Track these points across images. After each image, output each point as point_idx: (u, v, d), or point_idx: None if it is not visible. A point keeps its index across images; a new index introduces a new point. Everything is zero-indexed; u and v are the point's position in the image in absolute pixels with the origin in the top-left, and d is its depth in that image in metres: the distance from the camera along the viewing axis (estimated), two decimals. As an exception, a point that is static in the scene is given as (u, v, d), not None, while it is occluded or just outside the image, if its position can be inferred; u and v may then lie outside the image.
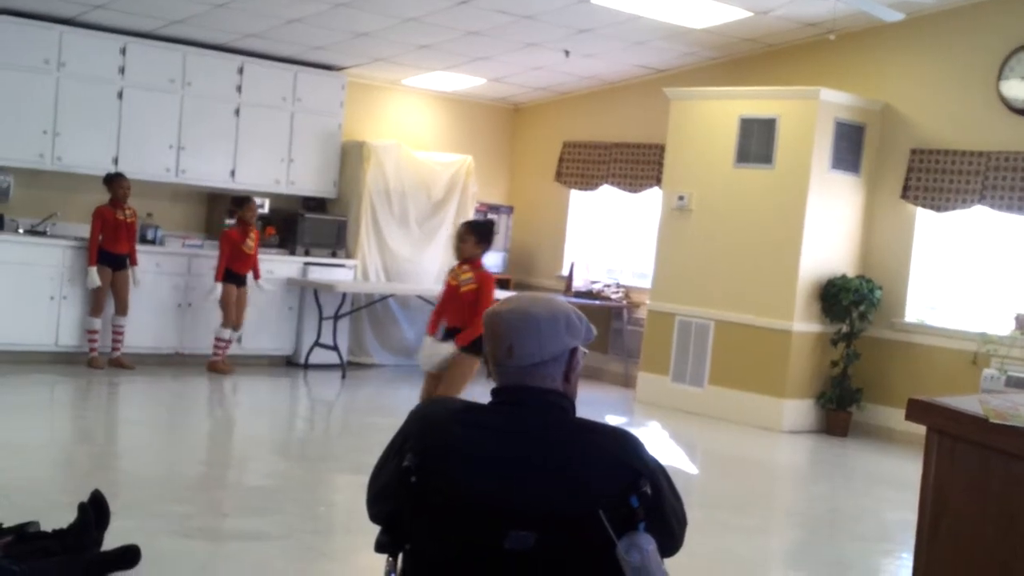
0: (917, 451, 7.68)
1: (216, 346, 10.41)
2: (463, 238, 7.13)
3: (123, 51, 10.35)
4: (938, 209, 9.84)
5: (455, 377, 7.02)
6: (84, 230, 10.10)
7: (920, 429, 3.11)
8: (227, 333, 10.39)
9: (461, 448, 2.53)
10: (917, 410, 3.12)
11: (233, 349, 10.62)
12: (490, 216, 12.88)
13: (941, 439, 3.04)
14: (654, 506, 2.47)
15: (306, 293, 11.15)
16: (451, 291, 7.15)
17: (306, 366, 11.11)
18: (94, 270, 9.89)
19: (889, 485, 8.36)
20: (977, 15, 9.65)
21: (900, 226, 10.15)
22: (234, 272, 10.33)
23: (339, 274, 11.33)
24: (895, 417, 9.53)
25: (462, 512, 2.50)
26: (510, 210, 13.15)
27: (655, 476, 2.52)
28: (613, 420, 9.43)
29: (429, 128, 12.81)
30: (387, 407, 9.76)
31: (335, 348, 11.01)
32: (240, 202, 10.44)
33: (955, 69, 9.82)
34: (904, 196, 10.03)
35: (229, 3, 9.45)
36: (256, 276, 10.58)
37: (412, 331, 12.11)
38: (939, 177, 9.81)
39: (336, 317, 11.07)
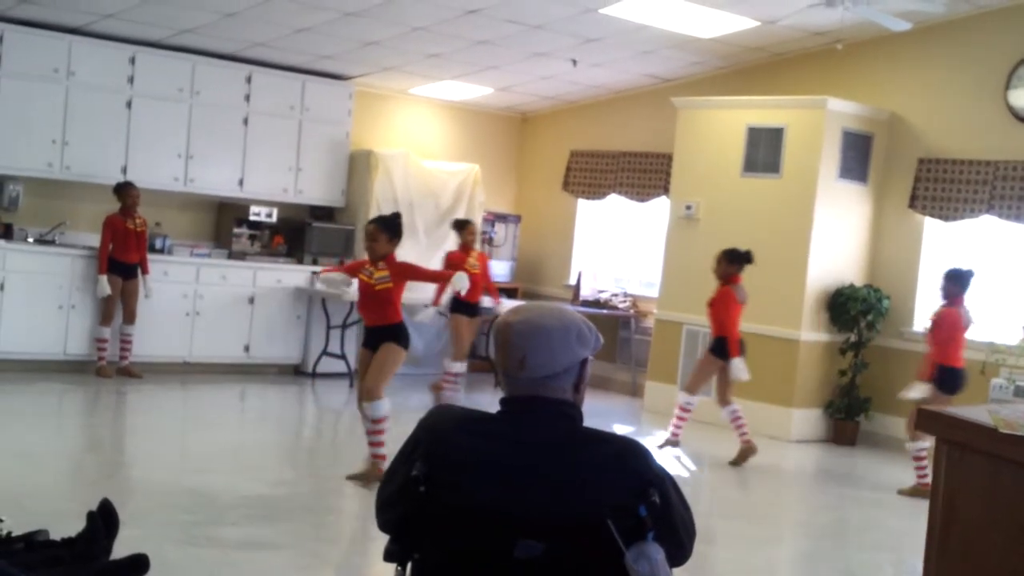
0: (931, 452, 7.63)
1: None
2: (374, 237, 6.99)
3: (132, 60, 10.38)
4: (946, 218, 9.83)
5: (387, 364, 7.04)
6: (93, 239, 10.13)
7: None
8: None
9: (470, 457, 2.53)
10: (926, 420, 3.12)
11: (240, 358, 10.63)
12: (497, 225, 12.91)
13: (950, 449, 3.04)
14: (662, 515, 2.47)
15: (314, 302, 11.16)
16: (367, 289, 7.05)
17: (314, 375, 11.12)
18: (104, 279, 9.91)
19: (897, 493, 8.34)
20: (984, 25, 9.65)
21: (908, 235, 10.14)
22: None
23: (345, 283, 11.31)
24: (903, 426, 9.50)
25: (470, 521, 2.50)
26: (517, 219, 13.17)
27: (663, 485, 2.52)
28: (621, 429, 9.42)
29: (437, 137, 12.83)
30: (396, 415, 9.70)
31: (343, 357, 11.02)
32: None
33: (962, 79, 9.82)
34: (912, 205, 10.02)
35: (238, 13, 9.48)
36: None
37: (421, 340, 12.11)
38: (947, 187, 9.81)
39: (344, 326, 11.08)
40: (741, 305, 8.78)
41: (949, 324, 7.99)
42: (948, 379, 8.00)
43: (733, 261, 8.79)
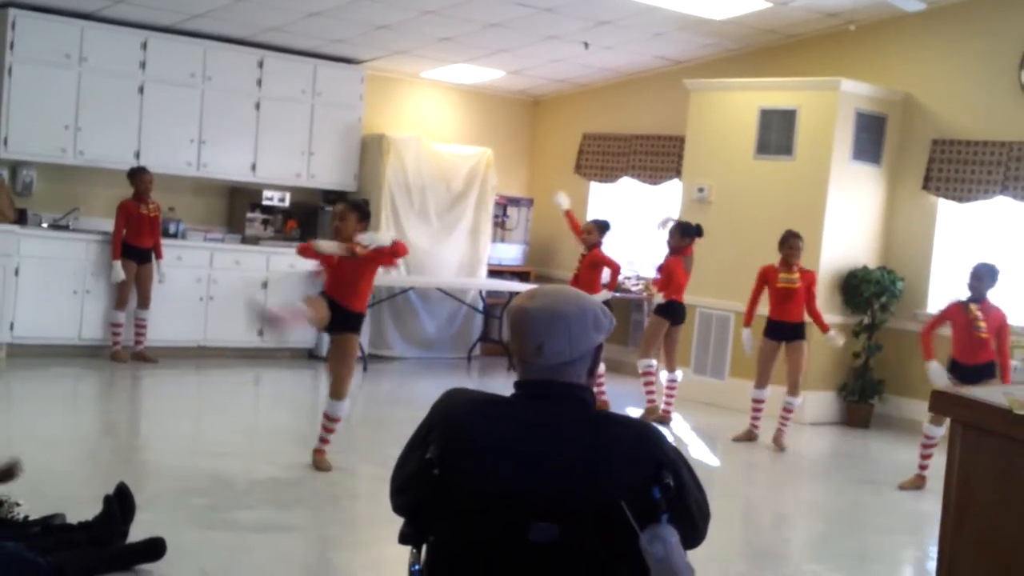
0: (939, 443, 7.64)
1: None
2: (343, 217, 7.02)
3: (144, 46, 10.39)
4: (960, 200, 9.80)
5: (350, 357, 7.10)
6: (106, 224, 10.16)
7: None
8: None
9: (484, 440, 2.54)
10: (941, 402, 3.12)
11: (254, 342, 10.65)
12: (509, 209, 12.91)
13: (965, 431, 3.03)
14: (677, 498, 2.48)
15: (327, 286, 11.18)
16: (334, 269, 6.97)
17: (327, 359, 11.13)
18: (118, 264, 9.95)
19: (910, 475, 8.32)
20: (998, 5, 9.60)
21: (922, 217, 10.11)
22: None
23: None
24: (917, 409, 9.50)
25: (485, 504, 2.51)
26: (530, 202, 13.16)
27: (677, 468, 2.52)
28: (634, 413, 9.43)
29: (449, 121, 12.83)
30: (408, 399, 9.78)
31: (356, 341, 11.02)
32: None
33: (976, 59, 9.77)
34: (926, 187, 9.99)
35: (249, -3, 9.48)
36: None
37: (432, 324, 12.14)
38: (961, 168, 9.77)
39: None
40: (688, 275, 9.62)
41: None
42: None
43: (685, 234, 9.48)
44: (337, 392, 7.06)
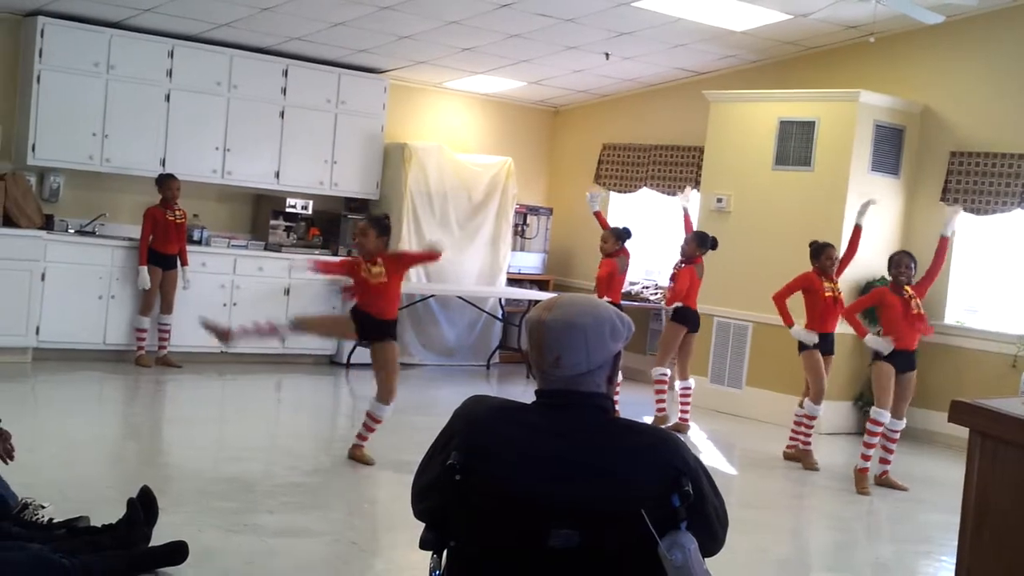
0: (954, 453, 7.69)
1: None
2: (364, 233, 7.36)
3: (171, 54, 10.51)
4: (978, 212, 9.82)
5: (396, 364, 7.49)
6: (132, 230, 10.27)
7: (957, 432, 3.10)
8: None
9: (505, 447, 2.56)
10: (960, 412, 3.10)
11: (276, 348, 10.74)
12: (529, 217, 12.98)
13: (984, 441, 3.01)
14: (696, 506, 2.50)
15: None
16: (366, 286, 7.31)
17: (348, 365, 11.23)
18: (145, 270, 10.05)
19: (928, 487, 8.35)
20: (1017, 17, 9.63)
21: (939, 229, 10.10)
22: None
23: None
24: (933, 419, 9.53)
25: (506, 510, 2.53)
26: (549, 211, 13.22)
27: (697, 476, 2.54)
28: (650, 420, 9.48)
29: (470, 130, 12.91)
30: (429, 406, 9.83)
31: (376, 348, 11.09)
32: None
33: (995, 71, 9.80)
34: (944, 199, 10.02)
35: (274, 7, 9.58)
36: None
37: (453, 332, 12.21)
38: (979, 180, 9.80)
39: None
40: (699, 282, 9.63)
41: None
42: None
43: (701, 245, 9.57)
44: (384, 396, 7.44)
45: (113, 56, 10.22)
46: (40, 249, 9.75)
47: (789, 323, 8.57)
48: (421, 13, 9.65)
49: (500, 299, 12.39)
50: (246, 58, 10.91)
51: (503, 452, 2.56)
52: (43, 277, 9.78)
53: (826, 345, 8.67)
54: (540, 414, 2.62)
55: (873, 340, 7.99)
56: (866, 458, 8.05)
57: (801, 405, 8.78)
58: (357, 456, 7.41)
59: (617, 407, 8.82)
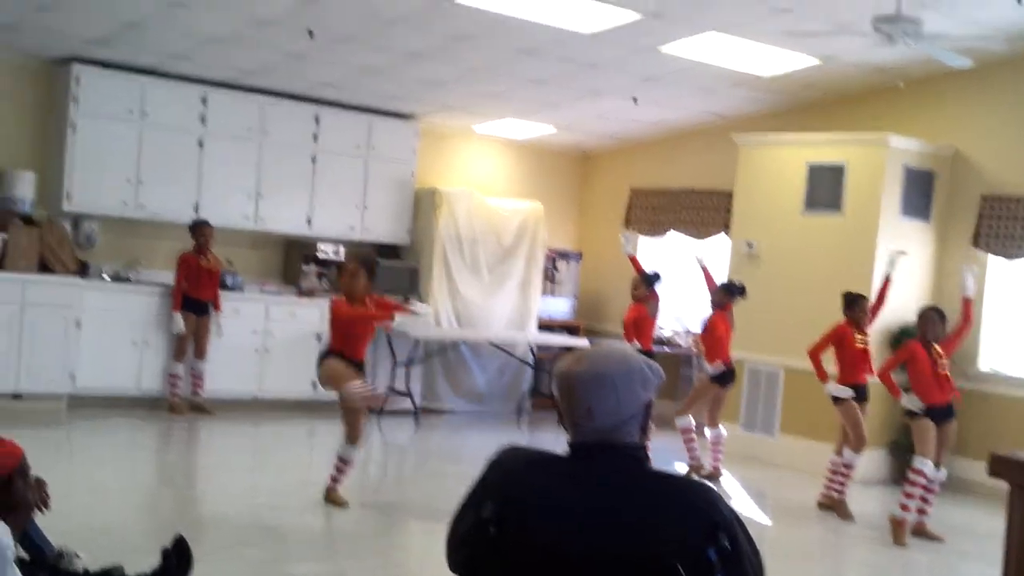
0: (992, 502, 7.58)
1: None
2: (355, 275, 7.28)
3: (204, 100, 10.63)
4: (1010, 256, 9.78)
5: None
6: (166, 277, 10.36)
7: (996, 481, 3.10)
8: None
9: (541, 498, 2.56)
10: (1000, 466, 3.11)
11: (309, 394, 10.74)
12: (559, 262, 13.00)
13: (1023, 494, 3.02)
14: (732, 559, 2.47)
15: (379, 339, 11.25)
16: (351, 324, 7.26)
17: (380, 411, 11.23)
18: (179, 316, 10.13)
19: (967, 538, 8.23)
20: (1048, 62, 9.62)
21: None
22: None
23: (412, 320, 11.44)
24: (969, 467, 9.44)
25: (542, 563, 2.52)
26: (579, 256, 13.25)
27: (733, 529, 2.51)
28: (684, 469, 9.44)
29: (500, 175, 12.98)
30: (460, 454, 9.83)
31: (408, 394, 11.13)
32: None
33: (1025, 116, 9.78)
34: (975, 243, 9.98)
35: (306, 54, 9.69)
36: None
37: (483, 377, 12.21)
38: (1010, 224, 9.76)
39: (409, 363, 11.19)
40: (731, 330, 9.63)
41: None
42: None
43: (728, 292, 9.60)
44: (352, 438, 7.41)
45: (147, 102, 10.34)
46: (76, 296, 9.85)
47: (823, 379, 8.54)
48: (444, 59, 9.73)
49: (531, 344, 12.39)
50: (278, 104, 11.02)
51: (539, 503, 2.56)
52: (78, 324, 9.87)
53: (860, 393, 8.62)
54: (574, 465, 2.61)
55: (907, 400, 7.95)
56: (905, 508, 7.94)
57: (839, 453, 8.71)
58: (332, 499, 7.39)
59: (649, 455, 8.71)
